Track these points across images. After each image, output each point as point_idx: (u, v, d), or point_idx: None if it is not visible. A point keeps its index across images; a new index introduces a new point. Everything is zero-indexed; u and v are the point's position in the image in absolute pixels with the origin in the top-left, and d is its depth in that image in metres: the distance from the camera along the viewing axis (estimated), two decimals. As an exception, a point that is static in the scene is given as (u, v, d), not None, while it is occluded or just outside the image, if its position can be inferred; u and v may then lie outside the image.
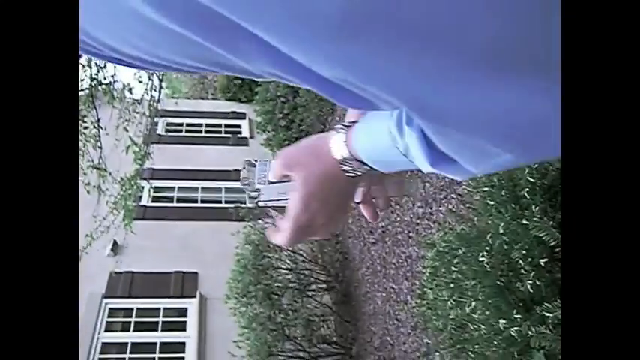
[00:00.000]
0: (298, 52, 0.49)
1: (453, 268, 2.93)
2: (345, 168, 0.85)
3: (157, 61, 0.63)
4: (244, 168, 1.05)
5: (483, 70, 0.46)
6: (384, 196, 0.98)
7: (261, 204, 1.04)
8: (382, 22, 0.42)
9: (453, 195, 4.94)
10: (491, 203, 2.68)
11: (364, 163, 0.84)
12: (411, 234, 5.84)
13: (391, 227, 6.40)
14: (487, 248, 2.61)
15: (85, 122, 6.82)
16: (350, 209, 0.95)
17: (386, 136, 0.74)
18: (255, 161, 1.03)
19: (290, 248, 7.52)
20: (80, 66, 7.01)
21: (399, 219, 6.20)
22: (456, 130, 0.54)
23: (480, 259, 2.56)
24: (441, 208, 5.19)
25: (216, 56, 0.56)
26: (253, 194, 1.02)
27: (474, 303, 2.69)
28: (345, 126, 0.86)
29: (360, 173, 0.86)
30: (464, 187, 4.40)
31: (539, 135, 0.52)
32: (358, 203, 0.97)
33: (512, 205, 2.59)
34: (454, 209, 4.73)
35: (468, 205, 3.59)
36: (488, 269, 2.55)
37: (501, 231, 2.54)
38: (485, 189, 2.75)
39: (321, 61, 0.49)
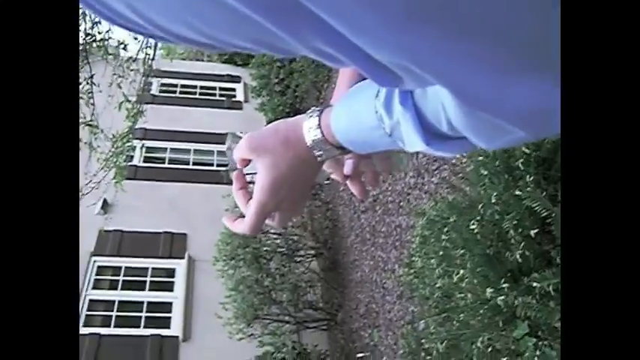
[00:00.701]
0: (362, 38, 0.51)
1: (443, 237, 2.94)
2: (317, 152, 0.85)
3: (205, 41, 0.62)
4: (229, 140, 1.04)
5: (521, 64, 0.51)
6: (372, 171, 0.97)
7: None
8: (445, 15, 0.46)
9: (445, 165, 4.94)
10: (485, 173, 2.67)
11: (337, 147, 0.84)
12: (401, 203, 5.85)
13: (382, 196, 6.40)
14: (478, 218, 2.61)
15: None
16: (310, 194, 0.93)
17: (371, 115, 0.74)
18: (241, 134, 0.98)
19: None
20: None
21: (390, 188, 6.20)
22: (486, 112, 0.57)
23: (471, 227, 2.55)
24: (432, 179, 5.19)
25: (271, 37, 0.56)
26: (233, 166, 1.00)
27: (461, 271, 2.70)
28: (319, 110, 0.86)
29: (331, 155, 0.86)
30: (457, 157, 4.39)
31: (551, 119, 0.56)
32: (346, 178, 0.96)
33: (506, 176, 2.58)
34: (446, 178, 4.72)
35: (460, 175, 3.59)
36: (479, 238, 2.55)
37: (493, 200, 2.54)
38: (480, 158, 2.74)
39: (383, 46, 0.51)
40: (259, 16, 0.52)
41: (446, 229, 2.94)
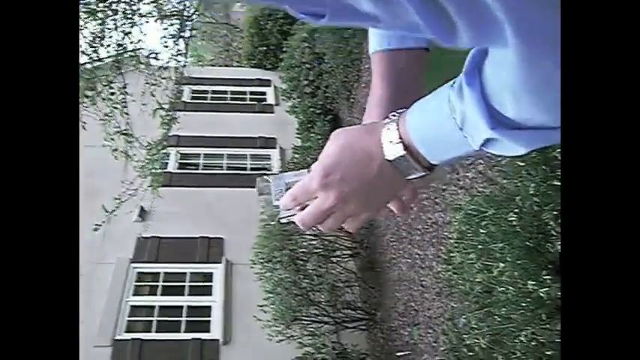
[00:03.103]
0: None
1: (481, 231, 2.91)
2: (400, 168, 0.82)
3: None
4: (260, 184, 1.03)
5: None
6: (411, 189, 0.94)
7: (283, 220, 0.99)
8: None
9: (480, 160, 4.88)
10: (522, 164, 2.64)
11: (418, 160, 0.81)
12: (437, 199, 5.81)
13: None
14: (516, 210, 2.58)
15: (111, 88, 6.86)
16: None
17: (444, 106, 0.74)
18: (269, 177, 1.00)
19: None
20: (106, 31, 7.02)
21: (425, 185, 6.15)
22: (546, 48, 0.56)
23: (510, 219, 2.53)
24: (468, 173, 5.14)
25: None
26: (269, 209, 1.00)
27: (501, 265, 2.67)
28: (395, 121, 0.83)
29: (414, 171, 0.83)
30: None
31: None
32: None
33: (543, 167, 2.55)
34: (482, 173, 4.67)
35: (496, 169, 3.55)
36: (518, 230, 2.52)
37: (532, 192, 2.51)
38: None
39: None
40: None
41: (484, 223, 2.91)
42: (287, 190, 0.95)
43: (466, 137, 0.73)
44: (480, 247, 2.94)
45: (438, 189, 5.79)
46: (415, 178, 0.85)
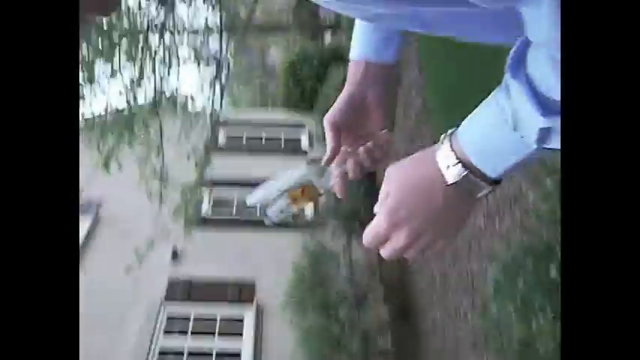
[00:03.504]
0: None
1: (519, 283, 2.81)
2: (465, 189, 0.81)
3: None
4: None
5: None
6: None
7: (275, 220, 1.10)
8: None
9: (517, 208, 4.78)
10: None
11: (481, 176, 0.79)
12: (472, 247, 5.69)
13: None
14: (557, 263, 2.49)
15: (148, 131, 6.96)
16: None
17: (494, 112, 0.74)
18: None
19: (348, 257, 7.47)
20: (145, 78, 7.16)
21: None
22: None
23: (550, 273, 2.43)
24: (504, 221, 5.03)
25: None
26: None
27: (541, 320, 2.57)
28: (449, 140, 0.81)
29: (480, 189, 0.81)
30: (531, 199, 4.24)
31: None
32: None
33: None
34: (519, 221, 4.57)
35: (535, 215, 3.46)
36: (559, 283, 2.42)
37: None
38: (556, 199, 2.63)
39: None
40: None
41: (522, 274, 2.82)
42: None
43: (522, 137, 0.72)
44: (518, 299, 2.84)
45: (473, 236, 5.69)
46: (483, 195, 0.83)
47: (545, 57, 0.65)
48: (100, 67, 6.69)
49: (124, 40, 6.72)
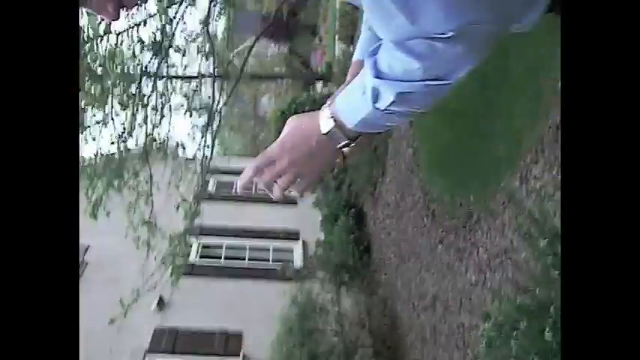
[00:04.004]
0: None
1: (512, 342, 2.76)
2: (332, 139, 1.10)
3: None
4: None
5: None
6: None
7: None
8: None
9: (509, 262, 4.75)
10: (557, 273, 2.52)
11: (344, 132, 1.09)
12: (463, 301, 5.63)
13: (442, 294, 6.19)
14: (551, 324, 2.44)
15: (138, 178, 6.92)
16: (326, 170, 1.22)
17: (357, 83, 1.05)
18: None
19: (337, 309, 7.37)
20: (137, 125, 7.16)
21: (450, 285, 5.99)
22: None
23: (545, 336, 2.38)
24: (496, 275, 4.99)
25: None
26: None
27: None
28: (329, 101, 1.12)
29: (342, 140, 1.10)
30: (523, 255, 4.21)
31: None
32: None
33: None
34: (511, 278, 4.53)
35: (527, 275, 3.42)
36: (554, 347, 2.37)
37: (567, 304, 2.37)
38: (550, 258, 2.60)
39: None
40: None
41: (515, 334, 2.76)
42: None
43: (364, 93, 1.01)
44: (511, 358, 2.77)
45: (464, 290, 5.63)
46: (343, 146, 1.12)
47: (383, 47, 0.97)
48: (92, 114, 6.70)
49: (117, 87, 6.74)
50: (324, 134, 1.10)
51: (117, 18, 0.94)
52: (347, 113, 1.07)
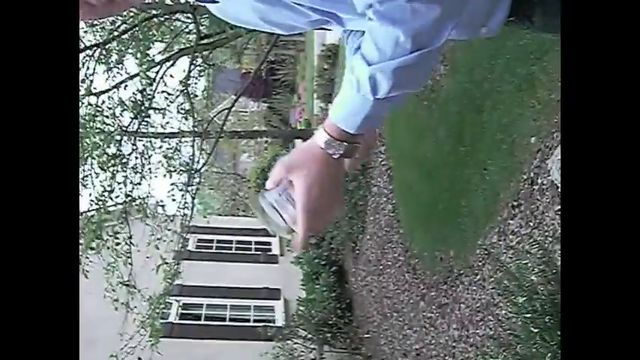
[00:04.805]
0: None
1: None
2: (330, 151, 1.07)
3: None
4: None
5: None
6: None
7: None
8: None
9: (490, 317, 4.75)
10: (535, 330, 2.53)
11: (343, 140, 1.06)
12: (447, 357, 5.59)
13: (426, 350, 6.15)
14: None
15: (117, 238, 6.86)
16: (342, 191, 1.18)
17: (346, 86, 1.05)
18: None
19: None
20: (116, 183, 7.15)
21: (433, 341, 5.96)
22: None
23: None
24: (478, 331, 4.98)
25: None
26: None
27: None
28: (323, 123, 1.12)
29: (341, 151, 1.07)
30: (503, 311, 4.22)
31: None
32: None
33: (559, 333, 2.44)
34: (493, 334, 4.52)
35: (509, 331, 3.42)
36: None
37: (549, 362, 2.38)
38: (528, 315, 2.62)
39: None
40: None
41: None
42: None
43: (363, 94, 1.02)
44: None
45: (447, 346, 5.60)
46: (342, 155, 1.08)
47: (365, 36, 1.00)
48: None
49: (97, 150, 6.75)
50: (322, 148, 1.08)
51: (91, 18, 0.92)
52: (347, 120, 1.06)
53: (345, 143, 1.07)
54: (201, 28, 7.96)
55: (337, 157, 1.08)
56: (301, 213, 1.09)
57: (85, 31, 7.09)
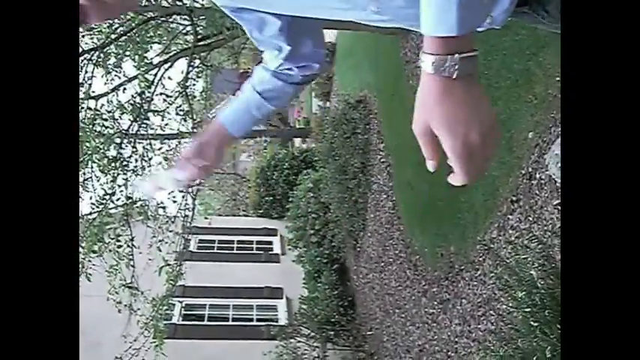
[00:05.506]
0: None
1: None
2: (444, 73, 0.87)
3: None
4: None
5: None
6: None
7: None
8: None
9: (491, 312, 4.78)
10: (535, 324, 2.56)
11: (450, 52, 0.87)
12: (450, 353, 5.62)
13: (428, 346, 6.17)
14: (534, 373, 2.46)
15: (119, 241, 6.88)
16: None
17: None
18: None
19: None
20: (117, 185, 7.17)
21: (436, 337, 5.99)
22: None
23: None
24: (479, 326, 5.00)
25: None
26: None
27: None
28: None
29: (457, 66, 0.87)
30: (504, 305, 4.25)
31: None
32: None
33: (558, 326, 2.47)
34: (494, 328, 4.55)
35: (509, 326, 3.45)
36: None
37: (549, 355, 2.41)
38: (527, 309, 2.64)
39: None
40: None
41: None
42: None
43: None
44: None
45: (449, 341, 5.63)
46: (461, 72, 0.87)
47: None
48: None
49: (97, 152, 6.76)
50: (433, 74, 0.88)
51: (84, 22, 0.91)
52: (441, 22, 0.86)
53: (456, 55, 0.86)
54: (198, 29, 7.97)
55: (456, 78, 0.87)
56: (456, 162, 0.95)
57: (83, 35, 7.10)
